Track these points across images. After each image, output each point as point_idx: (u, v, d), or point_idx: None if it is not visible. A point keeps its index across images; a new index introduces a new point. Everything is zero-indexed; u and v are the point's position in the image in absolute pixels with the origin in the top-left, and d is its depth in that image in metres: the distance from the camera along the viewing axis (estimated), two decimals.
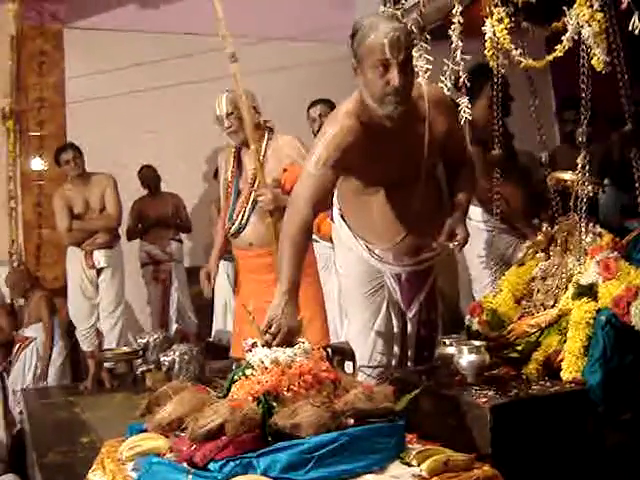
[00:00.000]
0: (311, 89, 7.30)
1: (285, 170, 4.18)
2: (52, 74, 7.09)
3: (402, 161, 2.89)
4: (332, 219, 3.47)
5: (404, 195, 2.97)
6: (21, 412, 6.02)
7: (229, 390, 2.36)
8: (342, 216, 3.27)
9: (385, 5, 4.04)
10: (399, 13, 3.88)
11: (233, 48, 4.19)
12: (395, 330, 3.27)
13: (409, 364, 3.29)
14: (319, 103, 5.62)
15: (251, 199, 4.22)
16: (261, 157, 4.21)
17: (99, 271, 6.11)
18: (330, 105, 5.69)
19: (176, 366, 4.77)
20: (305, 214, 2.71)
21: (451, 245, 2.94)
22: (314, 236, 5.24)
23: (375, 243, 3.15)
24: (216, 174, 6.14)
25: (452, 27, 3.56)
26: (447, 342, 2.86)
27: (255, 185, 4.20)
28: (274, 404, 2.19)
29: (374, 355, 3.28)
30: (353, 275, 3.30)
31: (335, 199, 3.25)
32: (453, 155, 3.05)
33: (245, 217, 4.23)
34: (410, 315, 3.27)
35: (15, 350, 6.29)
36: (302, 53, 7.46)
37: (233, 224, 4.28)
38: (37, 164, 7.06)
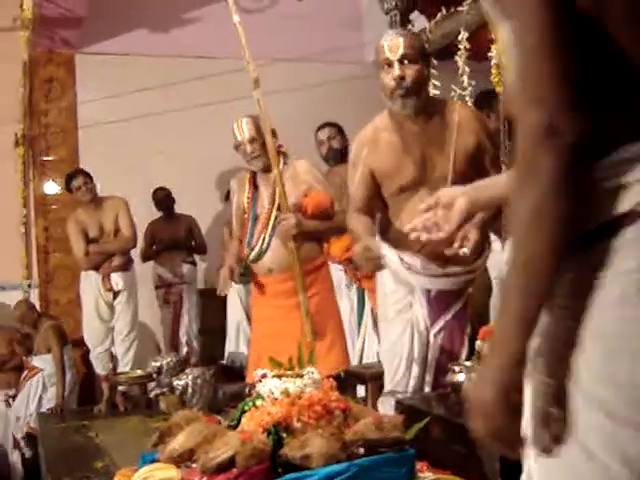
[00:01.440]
0: (321, 110, 7.36)
1: (306, 196, 4.16)
2: (64, 99, 7.13)
3: (429, 165, 3.12)
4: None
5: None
6: (23, 438, 6.07)
7: (239, 421, 2.38)
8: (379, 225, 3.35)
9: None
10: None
11: (256, 73, 4.18)
12: (416, 352, 3.28)
13: (427, 389, 3.29)
14: (327, 126, 5.67)
15: (270, 225, 4.17)
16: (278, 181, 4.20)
17: (115, 294, 6.14)
18: (337, 128, 5.73)
19: (189, 390, 4.76)
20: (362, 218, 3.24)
21: (461, 252, 2.93)
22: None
23: (404, 248, 3.17)
24: (227, 197, 6.18)
25: (458, 53, 3.59)
26: (457, 369, 2.86)
27: (274, 210, 4.17)
28: (284, 435, 2.21)
29: (396, 376, 3.30)
30: (386, 291, 3.35)
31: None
32: (485, 171, 3.11)
33: (265, 243, 4.18)
34: (433, 333, 3.28)
35: (22, 377, 6.29)
36: (311, 74, 7.49)
37: (252, 250, 4.23)
38: (50, 188, 7.11)
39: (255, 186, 4.31)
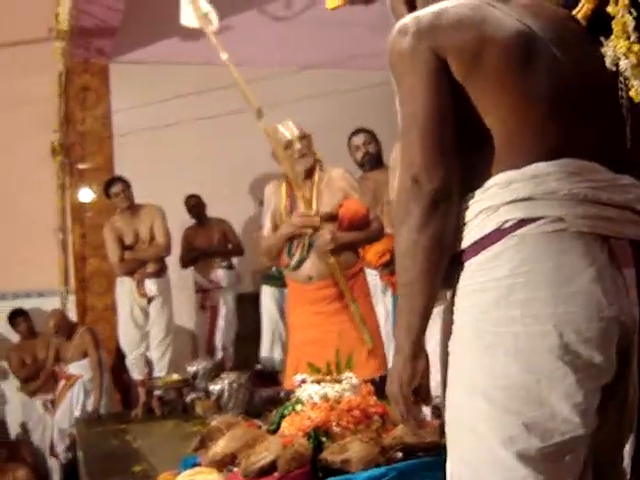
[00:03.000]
0: (351, 116, 7.38)
1: (341, 206, 4.16)
2: (99, 108, 7.25)
3: None
4: None
5: None
6: (67, 449, 6.15)
7: (279, 425, 2.42)
8: None
9: None
10: None
11: (258, 104, 4.22)
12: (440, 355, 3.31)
13: (433, 394, 3.31)
14: (361, 132, 5.69)
15: (308, 234, 4.16)
16: (315, 190, 4.21)
17: (150, 300, 6.22)
18: (372, 134, 5.76)
19: (225, 394, 4.82)
20: None
21: None
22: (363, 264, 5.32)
23: None
24: (261, 202, 6.23)
25: None
26: None
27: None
28: (324, 439, 2.24)
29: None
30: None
31: None
32: None
33: (305, 251, 4.18)
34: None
35: (60, 388, 6.34)
36: (342, 81, 7.53)
37: (292, 258, 4.22)
38: (85, 196, 7.22)
39: (292, 193, 4.33)
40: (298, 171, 4.22)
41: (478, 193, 1.53)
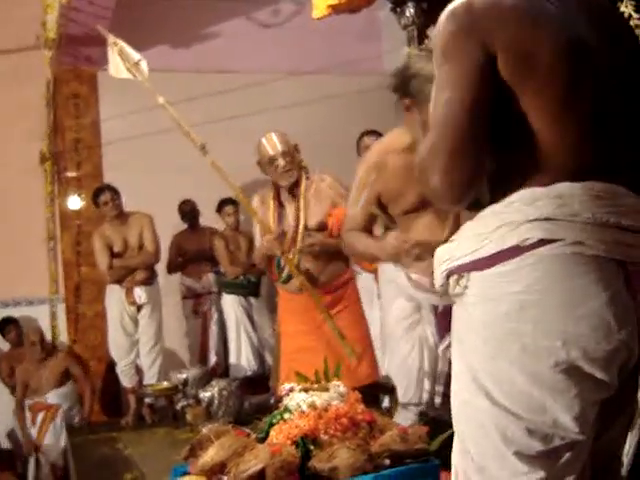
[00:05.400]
0: (340, 121, 7.43)
1: (330, 215, 4.19)
2: (87, 116, 7.24)
3: None
4: None
5: (442, 217, 3.12)
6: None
7: (268, 433, 2.44)
8: None
9: (409, 45, 4.12)
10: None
11: (201, 140, 4.25)
12: (427, 366, 3.34)
13: (437, 400, 3.34)
14: (373, 134, 5.71)
15: (298, 243, 4.19)
16: (302, 199, 4.24)
17: (139, 307, 6.23)
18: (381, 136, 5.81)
19: (215, 401, 4.83)
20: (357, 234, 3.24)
21: None
22: (357, 268, 5.35)
23: (412, 267, 3.24)
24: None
25: None
26: None
27: (300, 228, 4.20)
28: (312, 447, 2.26)
29: (409, 390, 3.35)
30: (394, 308, 3.39)
31: None
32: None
33: (296, 262, 4.20)
34: (441, 348, 3.33)
35: (40, 420, 6.03)
36: (330, 86, 7.55)
37: (283, 271, 4.25)
38: (75, 204, 7.21)
39: (279, 203, 4.34)
40: (282, 185, 4.24)
41: (500, 206, 1.54)
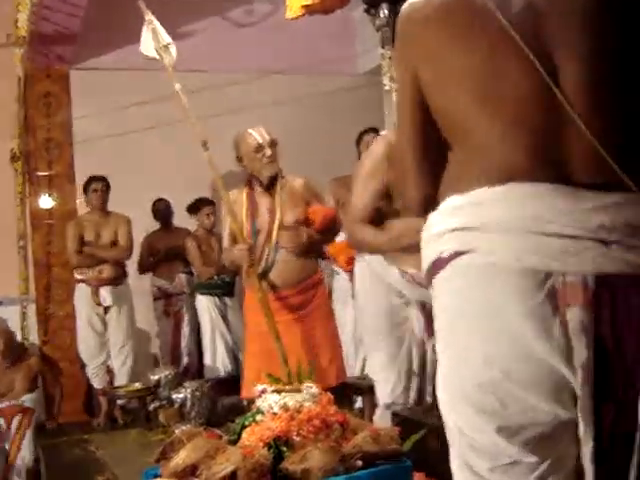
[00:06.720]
0: (314, 121, 7.44)
1: (314, 212, 4.22)
2: (59, 114, 7.17)
3: None
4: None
5: None
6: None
7: (240, 435, 2.43)
8: None
9: (383, 47, 4.13)
10: None
11: (205, 136, 4.23)
12: (415, 365, 3.34)
13: (428, 399, 3.34)
14: (372, 131, 5.71)
15: (273, 241, 4.18)
16: (278, 195, 4.24)
17: (106, 308, 6.20)
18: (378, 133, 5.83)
19: (188, 403, 4.82)
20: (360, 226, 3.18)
21: None
22: (335, 268, 5.36)
23: (407, 262, 3.23)
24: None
25: None
26: None
27: (275, 226, 4.19)
28: (284, 449, 2.26)
29: (396, 390, 3.34)
30: (379, 306, 3.38)
31: None
32: None
33: (270, 260, 4.18)
34: (430, 345, 3.33)
35: (16, 425, 5.57)
36: (304, 86, 7.56)
37: (258, 266, 4.18)
38: (46, 203, 7.15)
39: (253, 201, 4.33)
40: (264, 176, 4.24)
41: (431, 217, 1.49)
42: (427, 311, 3.31)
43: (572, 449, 1.38)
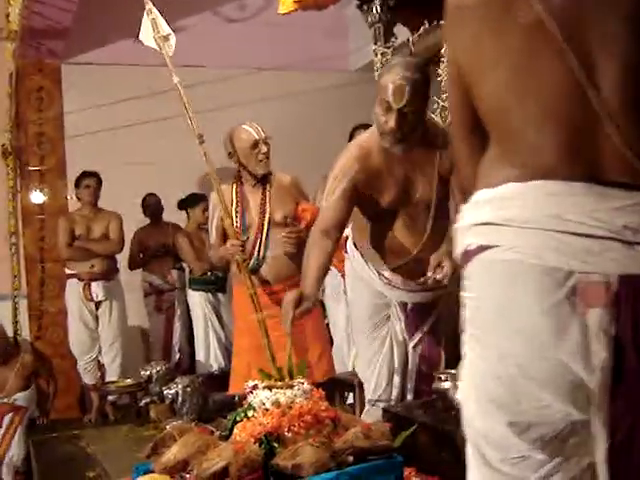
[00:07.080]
0: (306, 117, 7.44)
1: (305, 210, 4.21)
2: (51, 109, 7.14)
3: (411, 188, 3.14)
4: (346, 251, 3.59)
5: (416, 218, 3.17)
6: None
7: (231, 431, 2.43)
8: (355, 244, 3.40)
9: (376, 43, 4.13)
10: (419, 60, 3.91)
11: (200, 130, 4.22)
12: (396, 362, 3.36)
13: (409, 397, 3.36)
14: (364, 127, 5.70)
15: (263, 236, 4.17)
16: (268, 192, 4.23)
17: (98, 304, 6.19)
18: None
19: (179, 399, 4.79)
20: (323, 244, 3.09)
21: (437, 276, 3.04)
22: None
23: (385, 265, 3.25)
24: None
25: (441, 66, 3.64)
26: (442, 377, 2.93)
27: (266, 222, 4.19)
28: (275, 445, 2.26)
29: (379, 387, 3.37)
30: (362, 306, 3.41)
31: (350, 230, 3.40)
32: None
33: (261, 255, 4.18)
34: (411, 345, 3.35)
35: (7, 423, 5.80)
36: (297, 82, 7.56)
37: (248, 263, 4.18)
38: (38, 198, 7.13)
39: (243, 197, 4.32)
40: (259, 173, 4.23)
41: (463, 208, 1.49)
42: (408, 311, 3.34)
43: (582, 449, 1.38)
